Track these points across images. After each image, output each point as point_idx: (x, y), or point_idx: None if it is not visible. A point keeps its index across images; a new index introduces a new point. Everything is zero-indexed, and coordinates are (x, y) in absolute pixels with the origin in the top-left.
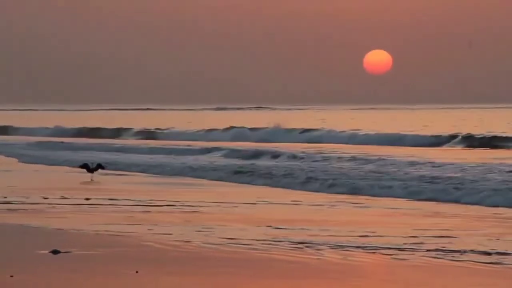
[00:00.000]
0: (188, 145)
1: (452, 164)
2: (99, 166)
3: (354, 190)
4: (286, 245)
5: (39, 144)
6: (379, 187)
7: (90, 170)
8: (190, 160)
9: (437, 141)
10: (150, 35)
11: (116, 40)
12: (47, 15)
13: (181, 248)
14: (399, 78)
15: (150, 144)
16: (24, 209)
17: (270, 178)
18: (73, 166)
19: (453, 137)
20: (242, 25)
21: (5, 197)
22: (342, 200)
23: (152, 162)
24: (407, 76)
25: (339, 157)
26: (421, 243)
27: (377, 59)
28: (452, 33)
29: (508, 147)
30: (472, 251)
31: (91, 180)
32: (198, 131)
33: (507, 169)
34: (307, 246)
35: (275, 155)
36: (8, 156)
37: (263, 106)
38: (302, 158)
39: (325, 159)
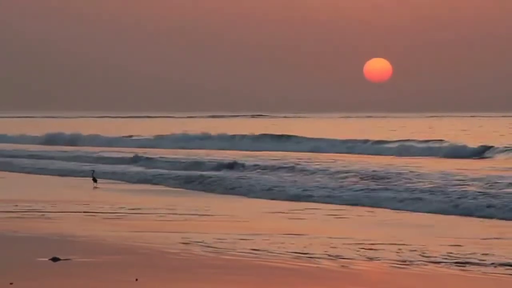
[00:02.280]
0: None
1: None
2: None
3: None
4: (284, 253)
5: None
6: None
7: (94, 179)
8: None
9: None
10: (147, 41)
11: (112, 46)
12: (42, 18)
13: (181, 255)
14: (399, 86)
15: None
16: (24, 217)
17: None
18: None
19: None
20: (241, 31)
21: (16, 205)
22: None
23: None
24: (407, 84)
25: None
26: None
27: (377, 67)
28: (452, 41)
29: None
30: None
31: (94, 187)
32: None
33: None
34: (304, 255)
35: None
36: None
37: (262, 114)
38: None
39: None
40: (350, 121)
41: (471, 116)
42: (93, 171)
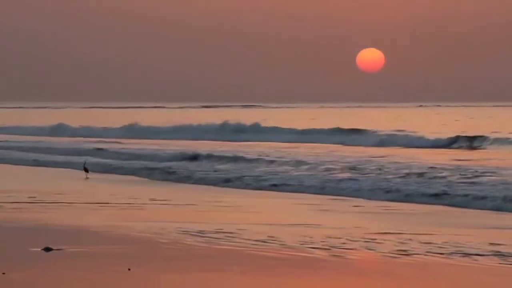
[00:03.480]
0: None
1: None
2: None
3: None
4: (279, 243)
5: None
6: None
7: (86, 170)
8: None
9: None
10: (142, 34)
11: (107, 38)
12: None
13: (173, 245)
14: (391, 76)
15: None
16: (16, 207)
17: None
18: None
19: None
20: (235, 23)
21: (8, 195)
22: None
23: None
24: (400, 74)
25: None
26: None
27: (370, 57)
28: (444, 31)
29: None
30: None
31: (87, 178)
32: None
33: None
34: (299, 245)
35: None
36: None
37: (255, 104)
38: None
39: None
40: (337, 111)
41: (462, 106)
42: (85, 161)
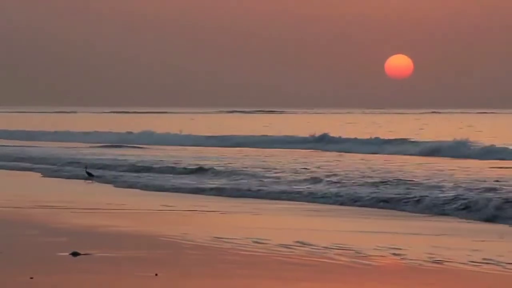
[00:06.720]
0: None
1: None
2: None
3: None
4: (308, 249)
5: None
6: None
7: (90, 175)
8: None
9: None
10: (163, 37)
11: (127, 41)
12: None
13: (201, 251)
14: (420, 83)
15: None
16: (43, 212)
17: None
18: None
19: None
20: (263, 28)
21: (34, 201)
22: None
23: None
24: (428, 80)
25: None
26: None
27: (398, 63)
28: (472, 38)
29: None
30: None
31: (92, 182)
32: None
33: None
34: (317, 250)
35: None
36: None
37: (281, 110)
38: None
39: None
40: (376, 118)
41: (492, 113)
42: (86, 166)
